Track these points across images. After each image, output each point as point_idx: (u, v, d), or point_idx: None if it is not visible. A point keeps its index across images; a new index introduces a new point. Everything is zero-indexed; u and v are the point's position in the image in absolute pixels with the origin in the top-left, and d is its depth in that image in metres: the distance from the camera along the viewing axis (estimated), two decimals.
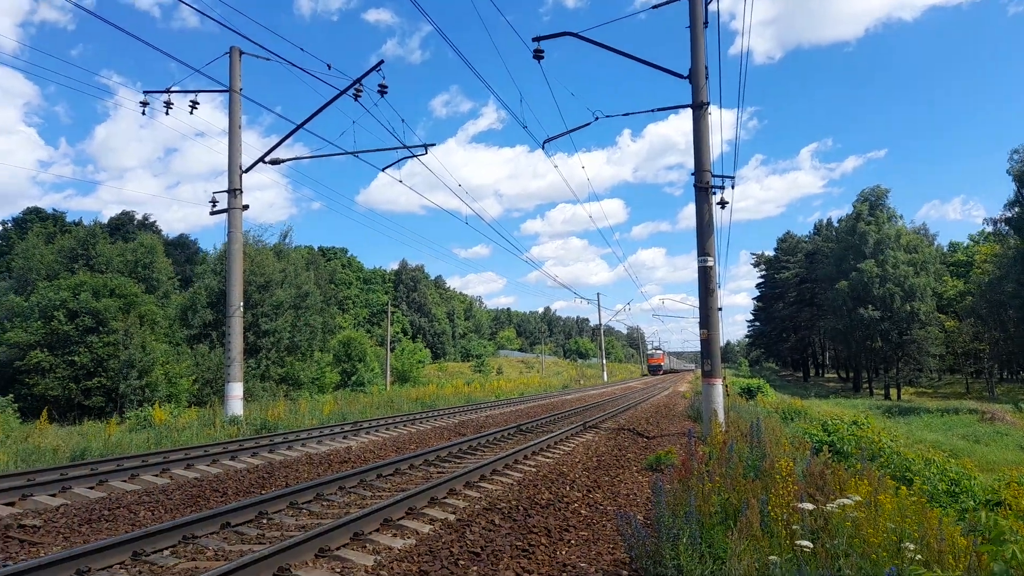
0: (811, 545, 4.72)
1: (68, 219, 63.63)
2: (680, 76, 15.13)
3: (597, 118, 17.65)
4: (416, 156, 20.43)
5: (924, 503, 5.93)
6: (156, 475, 9.83)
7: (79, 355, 24.89)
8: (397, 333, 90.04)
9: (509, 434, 15.04)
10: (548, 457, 11.67)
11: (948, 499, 13.56)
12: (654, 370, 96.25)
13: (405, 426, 17.51)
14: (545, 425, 17.32)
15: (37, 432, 14.74)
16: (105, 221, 63.15)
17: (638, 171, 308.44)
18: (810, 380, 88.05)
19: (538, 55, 15.64)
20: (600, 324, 78.76)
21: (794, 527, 5.01)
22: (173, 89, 19.95)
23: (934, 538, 4.68)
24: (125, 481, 9.36)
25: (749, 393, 32.29)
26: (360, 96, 18.71)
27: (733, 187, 18.37)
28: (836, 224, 79.15)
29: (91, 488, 8.85)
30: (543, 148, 18.44)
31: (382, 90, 18.52)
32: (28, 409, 22.71)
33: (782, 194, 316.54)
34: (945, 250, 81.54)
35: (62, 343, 25.14)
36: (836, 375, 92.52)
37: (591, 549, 6.22)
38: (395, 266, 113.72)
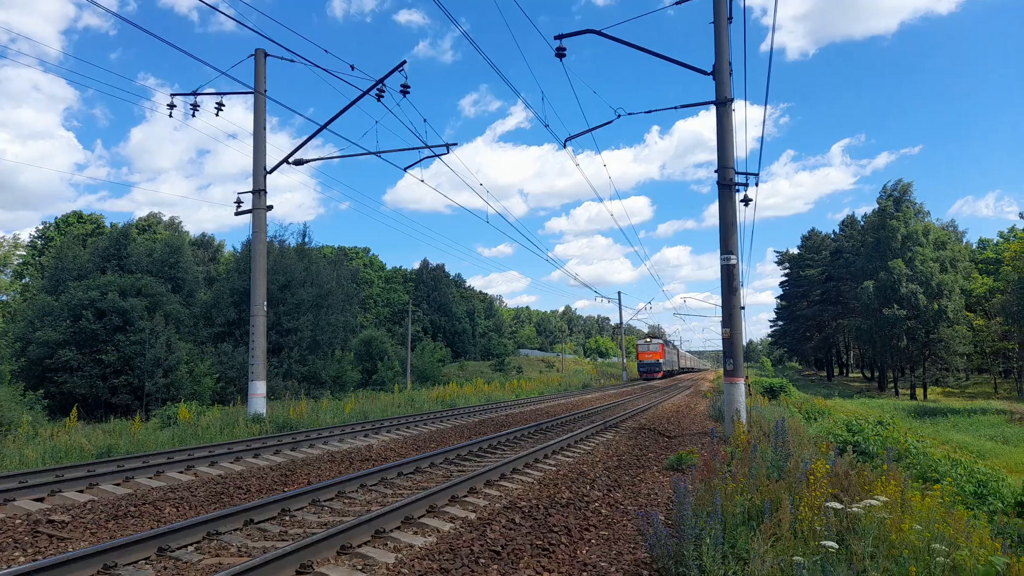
0: (836, 546, 4.65)
1: (107, 221, 64.84)
2: (704, 72, 15.00)
3: (619, 116, 17.56)
4: (438, 156, 20.49)
5: (951, 504, 5.81)
6: (181, 472, 9.96)
7: (106, 353, 25.34)
8: (418, 332, 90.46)
9: (529, 433, 15.03)
10: (568, 456, 11.64)
11: (975, 501, 13.31)
12: (648, 370, 61.26)
13: (426, 425, 17.57)
14: (565, 424, 17.28)
15: (65, 429, 15.03)
16: (135, 223, 64.14)
17: (665, 168, 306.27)
18: (834, 379, 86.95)
19: (560, 53, 15.59)
20: (620, 323, 78.23)
21: (818, 528, 4.94)
22: (200, 92, 20.19)
23: (963, 540, 4.60)
24: (151, 478, 9.49)
25: (772, 393, 31.95)
26: (383, 96, 18.81)
27: (757, 184, 18.18)
28: (862, 221, 78.08)
29: (117, 485, 8.99)
30: (565, 146, 18.36)
31: (404, 90, 18.59)
32: (57, 406, 23.18)
33: (811, 190, 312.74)
34: (975, 247, 79.99)
35: (90, 342, 25.61)
36: (860, 374, 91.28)
37: (612, 549, 6.19)
38: (417, 265, 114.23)
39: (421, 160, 20.88)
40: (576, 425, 16.90)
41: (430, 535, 6.48)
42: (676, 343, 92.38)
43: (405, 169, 21.19)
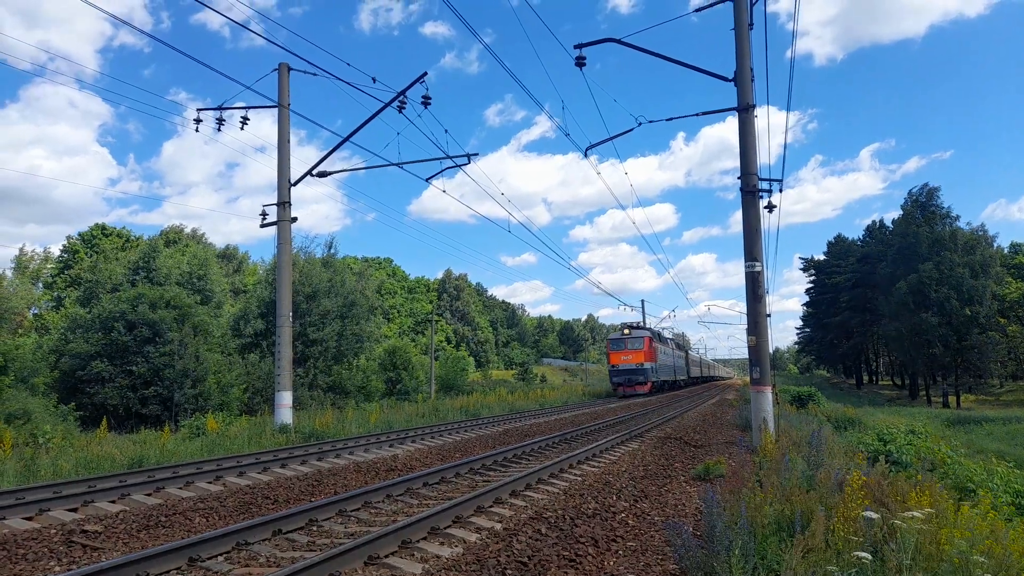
0: (870, 557, 4.56)
1: (134, 234, 66.14)
2: (725, 79, 14.94)
3: (640, 123, 17.55)
4: (459, 166, 20.60)
5: (994, 516, 5.67)
6: (210, 482, 10.07)
7: (137, 365, 25.75)
8: (441, 342, 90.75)
9: (554, 443, 14.97)
10: (594, 466, 11.57)
11: (1014, 511, 12.96)
12: (625, 380, 42.05)
13: (450, 435, 17.58)
14: (590, 434, 17.19)
15: (97, 440, 15.28)
16: (161, 235, 65.30)
17: (690, 175, 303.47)
18: (863, 388, 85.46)
19: (580, 62, 15.64)
20: None
21: (854, 538, 4.85)
22: (225, 106, 20.54)
23: (1003, 552, 4.48)
24: (180, 488, 9.61)
25: (800, 401, 31.48)
26: (404, 108, 18.98)
27: (781, 190, 18.02)
28: (890, 227, 76.87)
29: (148, 495, 9.11)
30: (587, 155, 18.31)
31: (425, 101, 18.75)
32: (89, 417, 23.58)
33: (840, 196, 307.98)
34: (1007, 251, 78.27)
35: (121, 353, 26.04)
36: (891, 382, 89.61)
37: (639, 560, 6.12)
38: (440, 275, 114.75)
39: (443, 171, 20.97)
40: (601, 435, 16.79)
41: (457, 546, 6.47)
42: (680, 341, 70.52)
43: (427, 180, 21.38)
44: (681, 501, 8.73)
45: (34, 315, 54.39)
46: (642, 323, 57.41)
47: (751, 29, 14.89)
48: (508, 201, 22.62)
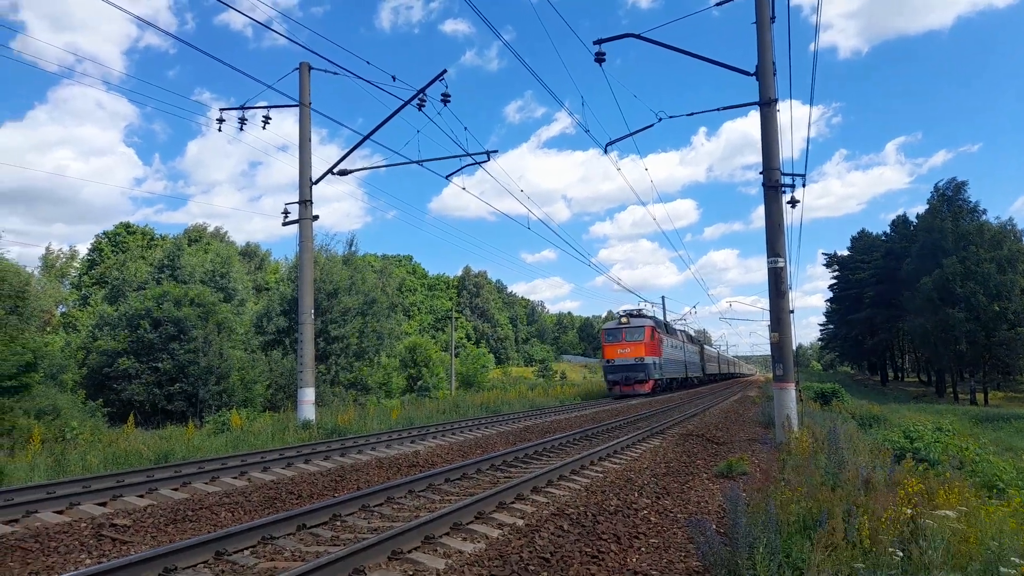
0: (900, 555, 4.51)
1: (158, 233, 67.11)
2: (747, 73, 14.80)
3: (660, 119, 17.45)
4: (479, 164, 20.63)
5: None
6: (235, 477, 10.19)
7: (162, 362, 26.16)
8: (461, 339, 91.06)
9: (575, 439, 14.95)
10: (615, 463, 11.54)
11: None
12: (622, 378, 36.08)
13: (471, 431, 17.64)
14: (611, 430, 17.15)
15: (124, 436, 15.54)
16: (184, 233, 66.12)
17: (712, 171, 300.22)
18: (889, 385, 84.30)
19: (600, 58, 15.58)
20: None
21: (882, 536, 4.80)
22: (247, 106, 20.73)
23: None
24: (206, 483, 9.74)
25: (824, 398, 31.14)
26: (424, 106, 19.02)
27: (804, 185, 17.82)
28: (914, 221, 75.70)
29: (175, 490, 9.25)
30: (606, 152, 18.26)
31: (445, 99, 18.78)
32: (116, 413, 24.00)
33: (864, 190, 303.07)
34: None
35: (147, 350, 26.47)
36: (917, 379, 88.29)
37: (662, 557, 6.10)
38: (459, 272, 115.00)
39: (463, 168, 21.02)
40: (622, 431, 16.75)
41: (479, 541, 6.49)
42: (700, 337, 64.56)
43: (447, 177, 21.37)
44: (704, 498, 8.68)
45: (62, 313, 55.41)
46: (661, 317, 52.46)
47: (773, 23, 14.75)
48: (528, 198, 22.59)
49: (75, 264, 66.16)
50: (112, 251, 62.13)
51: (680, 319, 66.06)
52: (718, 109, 17.84)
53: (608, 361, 37.14)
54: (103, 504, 8.35)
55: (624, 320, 37.43)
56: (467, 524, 7.00)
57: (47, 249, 67.10)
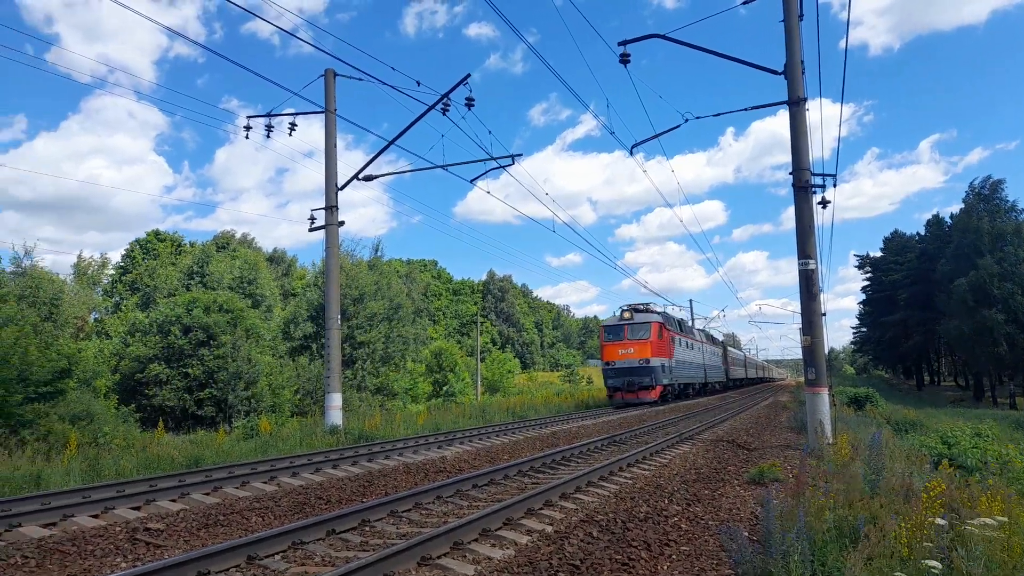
0: (939, 565, 4.37)
1: (187, 240, 68.31)
2: (775, 72, 14.61)
3: (687, 120, 17.30)
4: (503, 167, 20.66)
5: None
6: (265, 482, 10.28)
7: (192, 367, 26.56)
8: (486, 343, 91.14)
9: (602, 445, 14.84)
10: (644, 469, 11.42)
11: None
12: (624, 384, 30.61)
13: (497, 436, 17.60)
14: (639, 436, 17.00)
15: (155, 441, 15.78)
16: (213, 240, 67.18)
17: (740, 171, 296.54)
18: (924, 389, 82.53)
19: (624, 59, 15.50)
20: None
21: (919, 546, 4.66)
22: (274, 113, 20.99)
23: None
24: (237, 488, 9.83)
25: (857, 403, 30.56)
26: (448, 110, 19.12)
27: (835, 185, 17.56)
28: (949, 221, 74.10)
29: (206, 494, 9.35)
30: (632, 154, 18.17)
31: (469, 103, 18.84)
32: (147, 419, 24.41)
33: (897, 190, 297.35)
34: None
35: (177, 356, 26.90)
36: (954, 383, 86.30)
37: (694, 564, 6.01)
38: (484, 277, 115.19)
39: (487, 172, 21.05)
40: (650, 437, 16.59)
41: (508, 548, 6.45)
42: (731, 341, 58.02)
43: (472, 181, 21.43)
44: (735, 505, 8.54)
45: (95, 320, 56.59)
46: (691, 324, 49.60)
47: (801, 20, 14.54)
48: (553, 201, 22.59)
49: (108, 271, 67.53)
50: (143, 258, 63.34)
51: (708, 323, 64.48)
52: (746, 109, 17.62)
53: (607, 363, 31.70)
54: (137, 508, 8.47)
55: (627, 315, 32.07)
56: (496, 530, 6.96)
57: (79, 257, 68.55)
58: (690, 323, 41.52)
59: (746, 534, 6.38)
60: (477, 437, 17.13)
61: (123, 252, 68.06)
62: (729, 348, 62.63)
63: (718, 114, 17.00)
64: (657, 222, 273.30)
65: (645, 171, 21.82)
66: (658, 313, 33.78)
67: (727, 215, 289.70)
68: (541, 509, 8.02)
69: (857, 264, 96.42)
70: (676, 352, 34.81)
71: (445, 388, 49.21)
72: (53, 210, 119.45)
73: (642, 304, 33.81)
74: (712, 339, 52.59)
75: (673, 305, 46.52)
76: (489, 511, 7.21)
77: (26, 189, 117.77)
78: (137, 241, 66.44)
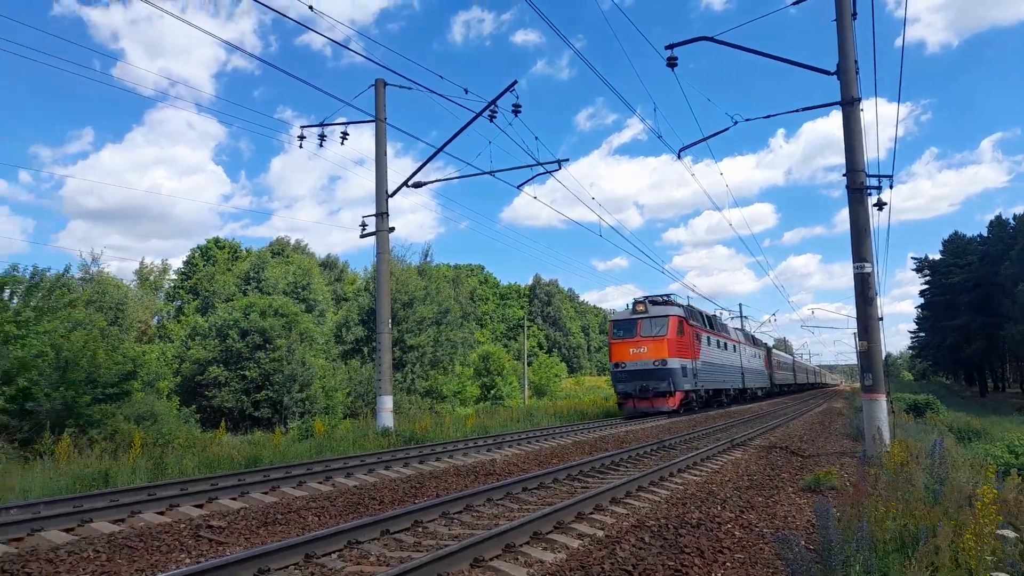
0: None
1: (244, 246, 70.40)
2: (827, 72, 14.32)
3: (736, 122, 17.10)
4: (550, 173, 20.72)
5: None
6: (320, 482, 10.54)
7: (249, 370, 27.36)
8: (533, 347, 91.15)
9: (652, 450, 14.73)
10: (695, 475, 11.30)
11: None
12: (634, 388, 26.81)
13: (545, 440, 17.63)
14: (689, 441, 16.80)
15: (215, 441, 16.31)
16: (268, 247, 68.98)
17: (791, 173, 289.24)
18: (988, 396, 79.14)
19: (672, 62, 15.41)
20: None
21: (987, 557, 4.52)
22: (326, 123, 21.50)
23: None
24: (294, 487, 10.11)
25: (917, 410, 29.54)
26: (495, 117, 19.28)
27: (891, 187, 17.05)
28: (1012, 222, 71.01)
29: (265, 493, 9.64)
30: (679, 157, 18.00)
31: (516, 109, 18.99)
32: (207, 419, 25.23)
33: (957, 190, 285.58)
34: None
35: (235, 359, 27.75)
36: (1021, 390, 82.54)
37: (748, 573, 5.93)
38: (530, 281, 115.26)
39: (534, 177, 21.17)
40: (700, 443, 16.38)
41: (559, 551, 6.48)
42: (749, 333, 48.61)
43: (519, 187, 21.58)
44: (791, 513, 8.39)
45: (157, 323, 58.71)
46: (741, 328, 47.29)
47: (855, 19, 14.23)
48: (599, 205, 22.48)
49: (169, 277, 69.99)
50: (204, 264, 65.48)
51: (759, 327, 62.20)
52: (797, 110, 17.33)
53: (616, 365, 27.41)
54: (200, 506, 8.78)
55: (640, 307, 27.65)
56: (547, 534, 7.00)
57: (141, 263, 71.27)
58: (710, 315, 34.76)
59: (803, 543, 6.27)
60: (525, 440, 17.18)
61: (184, 258, 70.48)
62: (774, 351, 57.97)
63: (768, 116, 16.71)
64: (705, 225, 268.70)
65: (693, 174, 21.67)
66: (679, 305, 29.10)
67: (777, 218, 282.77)
68: (592, 513, 8.02)
69: (915, 267, 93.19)
70: (703, 352, 30.51)
71: (493, 392, 49.42)
72: (119, 219, 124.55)
73: (661, 295, 29.49)
74: (753, 340, 47.95)
75: (723, 310, 44.95)
76: (540, 514, 7.25)
77: (94, 199, 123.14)
78: (198, 247, 68.71)
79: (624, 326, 27.99)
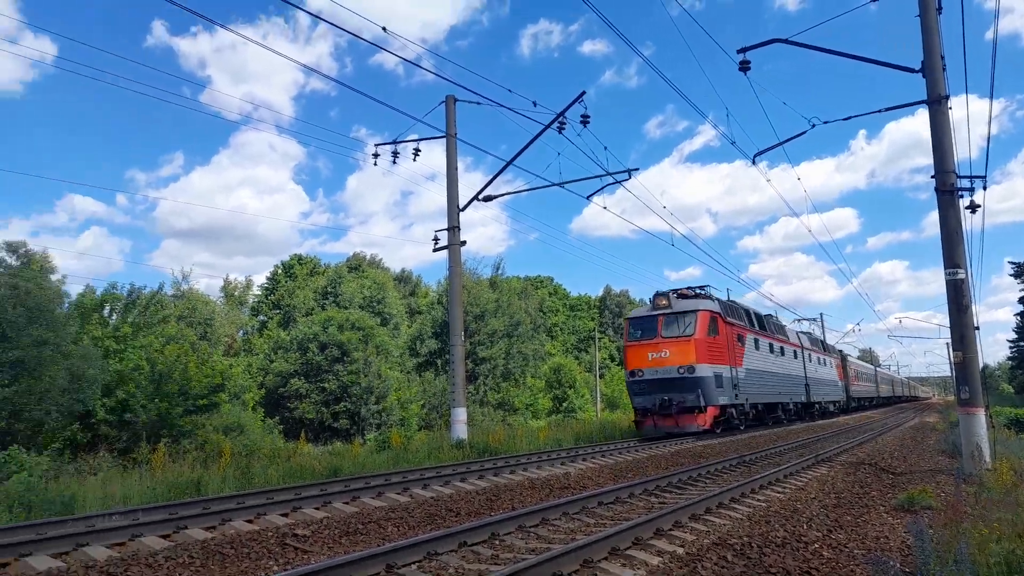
0: None
1: (323, 262, 72.86)
2: (911, 70, 13.70)
3: (814, 125, 16.55)
4: (620, 183, 20.60)
5: None
6: (398, 493, 10.74)
7: (328, 382, 28.23)
8: (604, 359, 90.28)
9: (731, 465, 14.32)
10: (778, 492, 10.92)
11: None
12: (654, 402, 21.96)
13: (620, 454, 17.40)
14: (770, 457, 16.25)
15: (297, 451, 16.87)
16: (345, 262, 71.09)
17: (874, 176, 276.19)
18: None
19: (744, 66, 15.08)
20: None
21: None
22: (399, 140, 22.08)
23: None
24: (373, 498, 10.34)
25: (1019, 425, 27.65)
26: (564, 129, 19.35)
27: (985, 188, 16.13)
28: None
29: (346, 503, 9.90)
30: (754, 163, 17.58)
31: (584, 120, 19.01)
32: (289, 430, 26.14)
33: None
34: None
35: (315, 372, 28.69)
36: None
37: None
38: (601, 292, 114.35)
39: (604, 188, 21.06)
40: (782, 458, 15.83)
41: (638, 568, 6.38)
42: (817, 337, 43.09)
43: (588, 197, 21.51)
44: (883, 533, 7.99)
45: (242, 337, 61.34)
46: (823, 339, 42.92)
47: (940, 13, 13.58)
48: (671, 214, 22.07)
49: (253, 292, 73.05)
50: (286, 280, 68.06)
51: (842, 338, 58.71)
52: (880, 111, 16.65)
53: (632, 374, 22.61)
54: (285, 515, 9.10)
55: (661, 302, 23.01)
56: (625, 550, 6.90)
57: (225, 280, 74.65)
58: (754, 311, 28.98)
59: (898, 565, 5.97)
60: (599, 454, 17.02)
61: (267, 275, 73.45)
62: (851, 359, 51.69)
63: (848, 118, 16.07)
64: (782, 232, 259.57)
65: (769, 180, 21.20)
66: (714, 299, 24.40)
67: (860, 223, 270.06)
68: (671, 530, 7.86)
69: (1013, 272, 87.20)
70: (748, 358, 25.45)
71: (565, 404, 49.19)
72: (206, 237, 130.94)
73: (693, 288, 24.79)
74: (823, 345, 42.03)
75: (803, 319, 42.75)
76: (617, 530, 7.16)
77: (184, 219, 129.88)
78: (280, 263, 71.48)
79: (642, 325, 23.30)
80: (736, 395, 23.60)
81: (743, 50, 15.09)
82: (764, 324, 29.38)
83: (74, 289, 30.51)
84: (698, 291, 24.41)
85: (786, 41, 15.05)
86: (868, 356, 79.56)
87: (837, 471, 13.40)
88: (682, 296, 23.84)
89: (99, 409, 19.33)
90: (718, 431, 22.99)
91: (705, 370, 21.72)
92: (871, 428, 27.23)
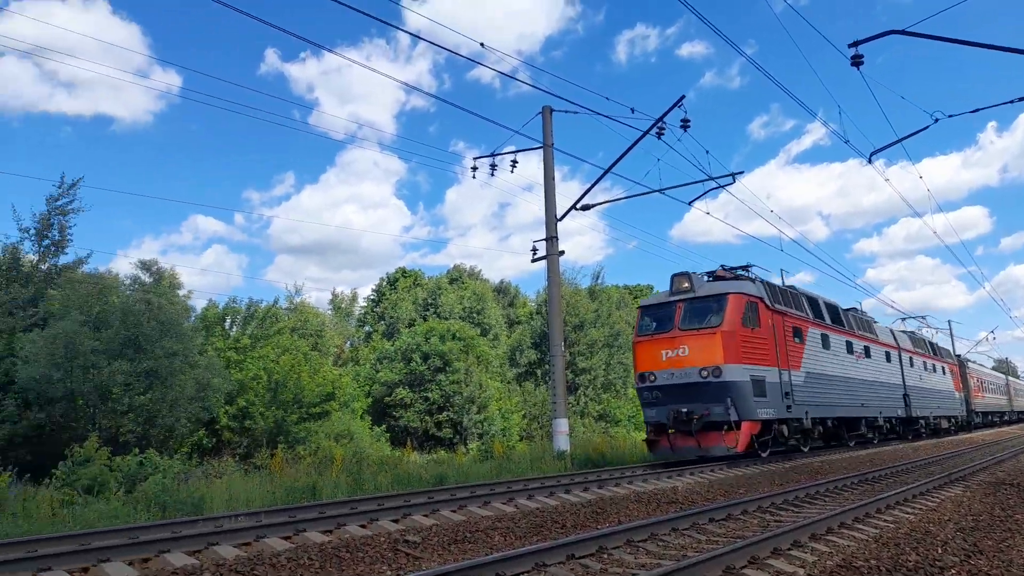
0: None
1: (426, 275, 75.00)
2: None
3: (936, 120, 15.51)
4: (723, 187, 19.98)
5: None
6: (503, 503, 10.80)
7: (431, 392, 28.89)
8: None
9: (851, 483, 13.48)
10: (906, 512, 10.16)
11: None
12: (669, 415, 16.49)
13: (728, 468, 16.75)
14: (895, 475, 15.19)
15: (404, 459, 17.33)
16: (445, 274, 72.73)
17: (1006, 171, 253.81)
18: None
19: (857, 61, 14.32)
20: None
21: None
22: (497, 152, 22.40)
23: None
24: (479, 507, 10.44)
25: None
26: (663, 134, 19.00)
27: None
28: None
29: (453, 511, 10.05)
30: (871, 161, 16.61)
31: (684, 125, 18.60)
32: (395, 438, 26.94)
33: None
34: None
35: (418, 381, 29.44)
36: None
37: None
38: None
39: (706, 193, 20.50)
40: (909, 476, 14.76)
41: None
42: (923, 337, 35.01)
43: (689, 203, 20.98)
44: None
45: (349, 347, 63.88)
46: (952, 348, 37.77)
47: None
48: (779, 218, 21.03)
49: (359, 304, 76.02)
50: (390, 292, 70.47)
51: (974, 347, 50.95)
52: (1012, 101, 15.31)
53: (641, 378, 17.70)
54: (396, 521, 9.33)
55: (683, 284, 17.80)
56: (740, 568, 6.62)
57: (332, 292, 78.05)
58: (822, 299, 22.62)
59: None
60: (708, 469, 16.44)
61: (373, 287, 76.27)
62: (973, 366, 43.44)
63: (976, 110, 14.92)
64: (903, 234, 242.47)
65: (887, 179, 19.99)
66: (756, 281, 18.58)
67: (992, 222, 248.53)
68: (789, 549, 7.47)
69: None
70: (810, 358, 19.81)
71: None
72: (315, 252, 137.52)
73: (725, 269, 19.18)
74: (932, 348, 34.53)
75: (930, 327, 38.70)
76: (731, 548, 6.88)
77: (296, 236, 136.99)
78: (386, 276, 74.15)
79: (656, 314, 18.05)
80: (789, 407, 18.15)
81: (855, 44, 14.34)
82: (839, 317, 23.10)
83: (198, 303, 32.75)
84: (732, 272, 18.95)
85: (903, 32, 14.18)
86: (1005, 367, 72.58)
87: (974, 492, 12.34)
88: (717, 278, 18.59)
89: (223, 416, 20.67)
90: (764, 454, 18.31)
91: (737, 372, 16.42)
92: (1012, 444, 24.94)
